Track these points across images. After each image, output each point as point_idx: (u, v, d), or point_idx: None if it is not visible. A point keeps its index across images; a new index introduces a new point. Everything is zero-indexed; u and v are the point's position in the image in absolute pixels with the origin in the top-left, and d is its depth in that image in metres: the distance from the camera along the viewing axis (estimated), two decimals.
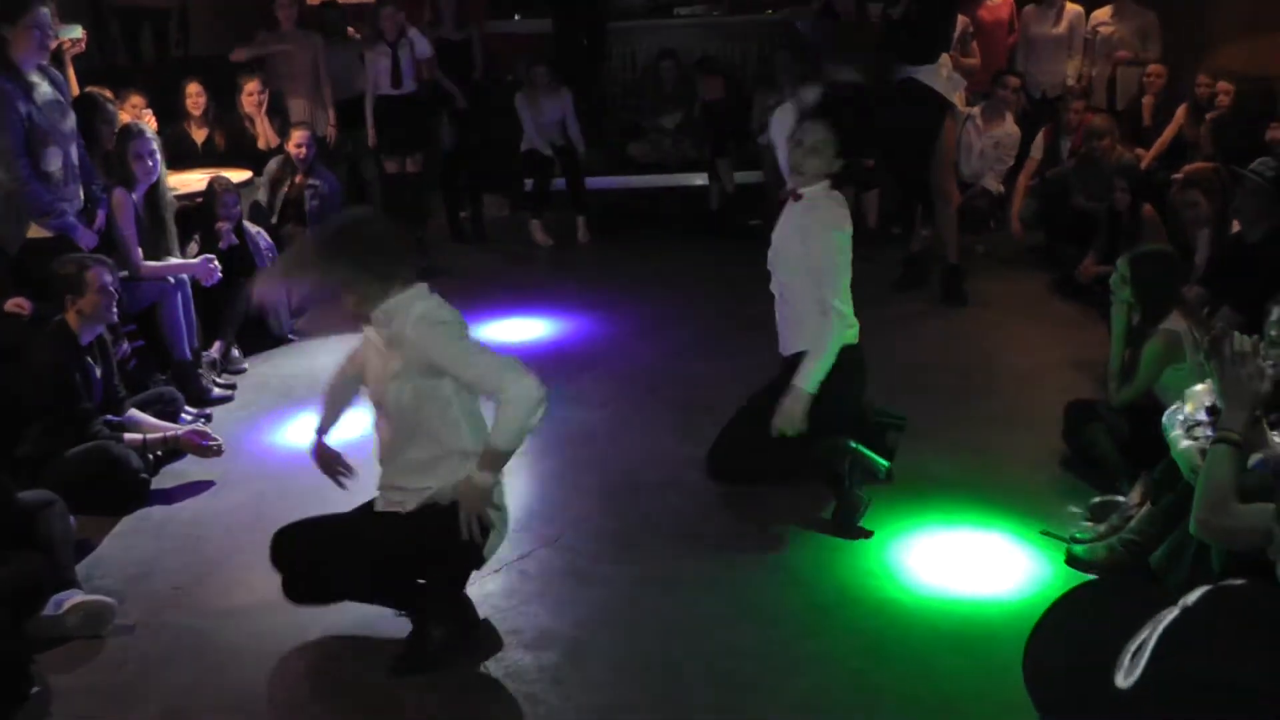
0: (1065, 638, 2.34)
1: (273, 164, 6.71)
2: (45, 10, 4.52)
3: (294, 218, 6.61)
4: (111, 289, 4.31)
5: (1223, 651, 1.91)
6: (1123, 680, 1.99)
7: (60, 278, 4.26)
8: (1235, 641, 1.93)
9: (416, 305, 3.07)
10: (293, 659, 3.23)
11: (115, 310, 4.41)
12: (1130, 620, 2.06)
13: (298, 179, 6.67)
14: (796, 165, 4.04)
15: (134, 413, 4.43)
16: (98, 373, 4.34)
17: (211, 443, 4.37)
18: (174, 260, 5.34)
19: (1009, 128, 7.42)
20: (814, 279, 3.98)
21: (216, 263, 5.37)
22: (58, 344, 4.22)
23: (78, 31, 5.92)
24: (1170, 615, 2.02)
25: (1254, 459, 2.74)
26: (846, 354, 3.97)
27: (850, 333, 4.06)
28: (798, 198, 4.08)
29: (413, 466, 3.16)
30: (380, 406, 3.20)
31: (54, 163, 4.62)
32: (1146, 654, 1.98)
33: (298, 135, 6.68)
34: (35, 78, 4.57)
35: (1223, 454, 2.58)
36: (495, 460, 3.05)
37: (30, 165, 4.51)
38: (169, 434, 4.35)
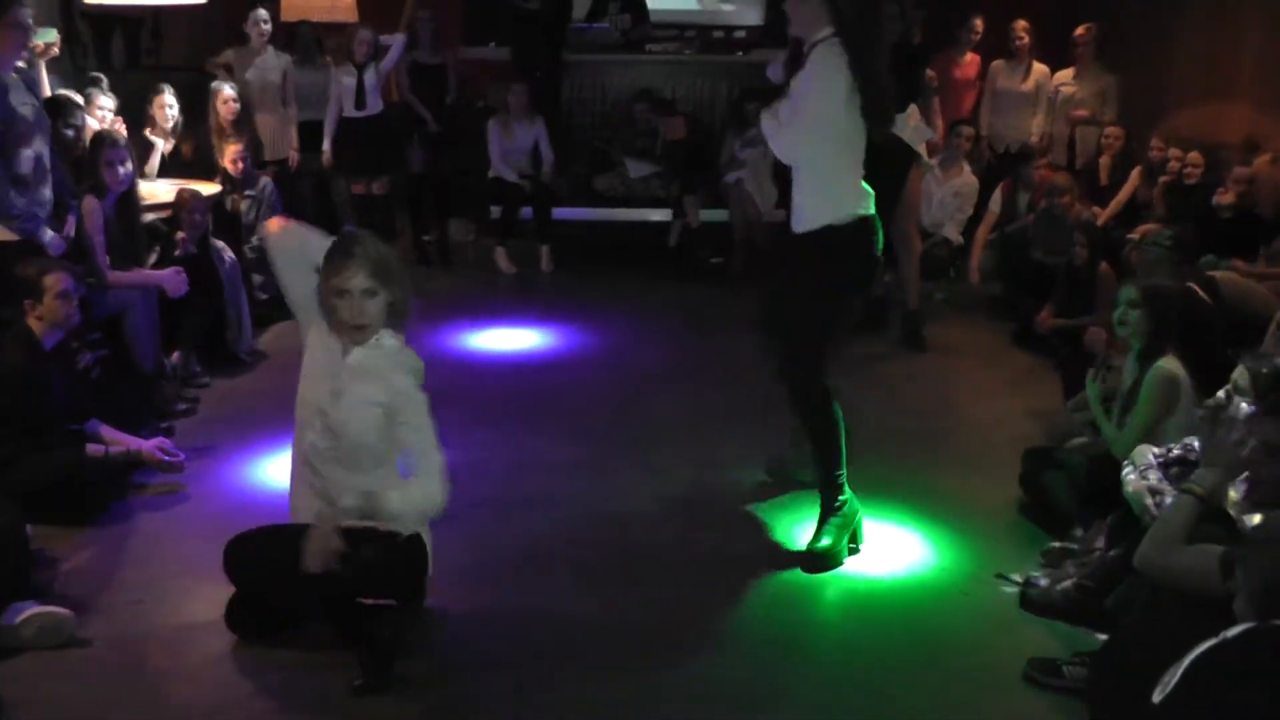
0: (1127, 665, 2.45)
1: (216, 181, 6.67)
2: (27, 10, 4.50)
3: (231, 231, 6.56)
4: (72, 294, 4.27)
5: (1255, 686, 2.00)
6: (1156, 696, 2.09)
7: (19, 282, 4.21)
8: (1267, 679, 2.02)
9: (411, 358, 3.24)
10: (257, 674, 3.21)
11: (78, 315, 4.36)
12: (1180, 648, 2.16)
13: (235, 197, 6.61)
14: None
15: (96, 423, 4.38)
16: (59, 380, 4.29)
17: (174, 458, 4.34)
18: (143, 270, 5.30)
19: (967, 178, 7.56)
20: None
21: (185, 274, 5.33)
22: (20, 348, 4.17)
23: (53, 35, 5.90)
24: (1208, 644, 2.12)
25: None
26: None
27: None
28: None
29: (356, 487, 3.18)
30: (327, 424, 3.19)
31: (26, 165, 4.58)
32: (1178, 675, 2.08)
33: (231, 150, 6.59)
34: (12, 79, 4.54)
35: (1185, 503, 2.72)
36: (372, 508, 3.13)
37: (3, 167, 4.47)
38: (132, 446, 4.31)
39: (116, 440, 4.33)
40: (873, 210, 3.92)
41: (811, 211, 3.88)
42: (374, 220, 7.55)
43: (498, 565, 3.86)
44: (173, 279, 5.29)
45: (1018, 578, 3.74)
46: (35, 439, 4.10)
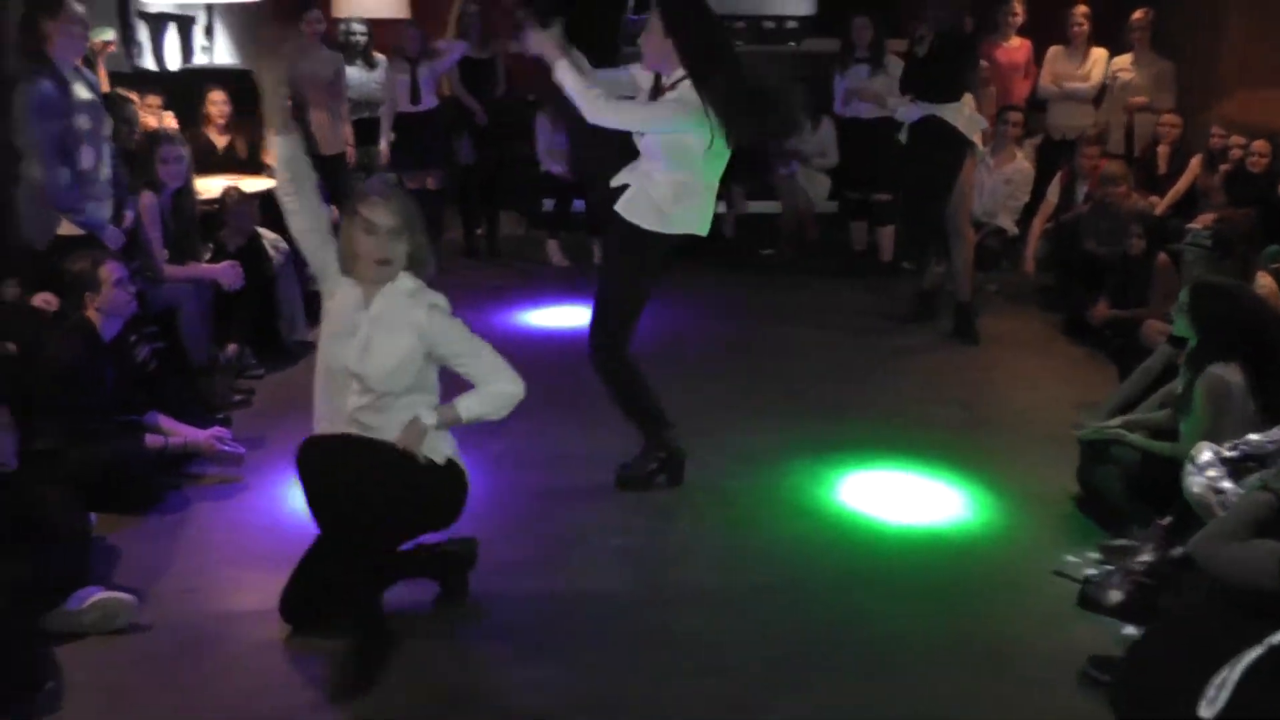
0: (1156, 668, 2.39)
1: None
2: (83, 9, 4.57)
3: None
4: (127, 282, 4.35)
5: None
6: (1206, 711, 2.04)
7: (76, 275, 4.28)
8: None
9: (429, 294, 3.29)
10: (303, 664, 3.24)
11: (134, 304, 4.44)
12: (1216, 654, 2.10)
13: None
14: None
15: (155, 415, 4.44)
16: (112, 372, 4.35)
17: (233, 449, 4.40)
18: (198, 264, 5.37)
19: (1019, 164, 7.44)
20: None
21: (240, 268, 5.40)
22: (80, 341, 4.24)
23: (110, 33, 6.00)
24: (1255, 653, 2.06)
25: None
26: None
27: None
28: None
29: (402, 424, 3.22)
30: (363, 382, 3.22)
31: (87, 161, 4.66)
32: (1229, 689, 2.03)
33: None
34: (71, 76, 4.62)
35: (1261, 500, 2.66)
36: (448, 418, 3.23)
37: (65, 163, 4.55)
38: (189, 438, 4.38)
39: (175, 431, 4.40)
40: (683, 232, 4.11)
41: (634, 200, 4.07)
42: (425, 215, 7.57)
43: (541, 553, 3.88)
44: (229, 272, 5.35)
45: (1075, 574, 3.68)
46: (85, 430, 4.16)
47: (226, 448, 4.40)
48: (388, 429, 3.21)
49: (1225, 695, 2.04)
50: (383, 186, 3.26)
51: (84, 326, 4.27)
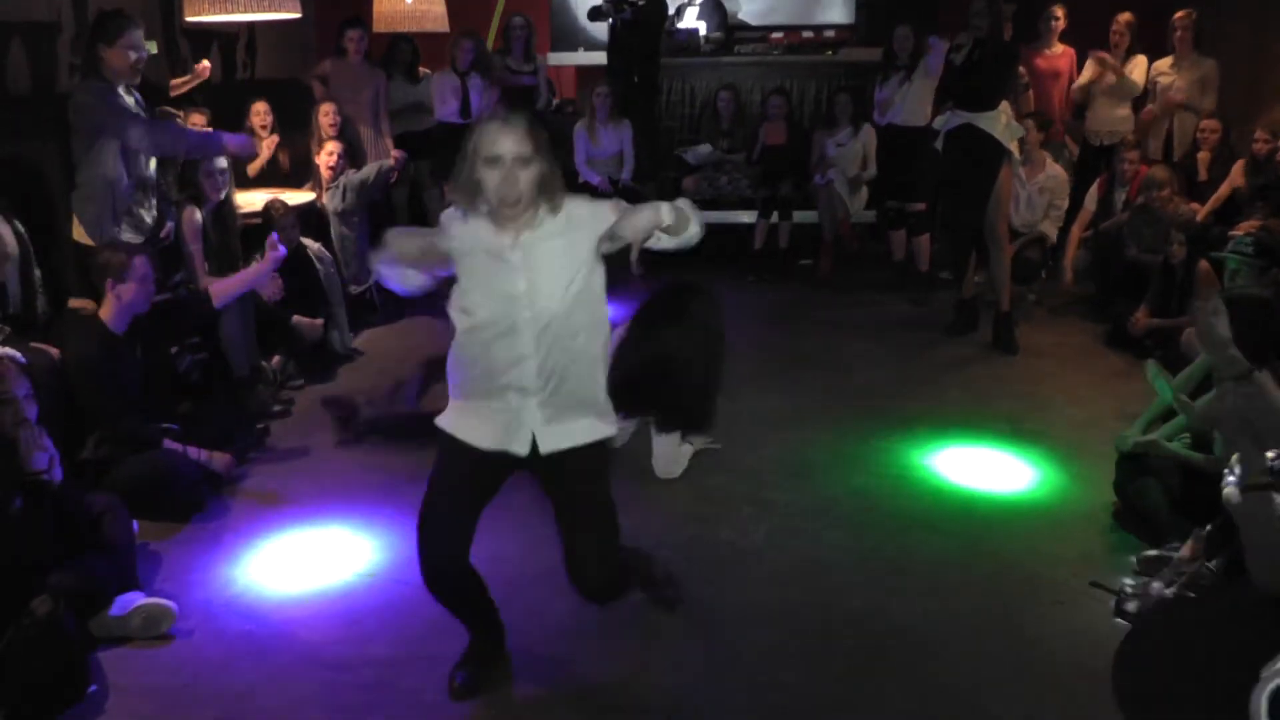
0: (1171, 660, 2.37)
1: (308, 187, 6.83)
2: (140, 33, 4.68)
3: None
4: (151, 280, 4.42)
5: None
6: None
7: (105, 263, 4.33)
8: None
9: (571, 203, 2.90)
10: (351, 670, 3.28)
11: (148, 306, 4.47)
12: (1257, 642, 2.08)
13: (323, 196, 6.74)
14: None
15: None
16: (132, 365, 4.40)
17: (232, 479, 4.51)
18: (238, 274, 5.45)
19: (1051, 170, 7.32)
20: None
21: (280, 279, 5.46)
22: (91, 336, 4.29)
23: (153, 48, 6.10)
24: None
25: None
26: None
27: None
28: None
29: (573, 402, 2.91)
30: (538, 328, 2.83)
31: (143, 171, 4.81)
32: (1262, 710, 2.01)
33: (331, 146, 6.74)
34: (124, 93, 4.74)
35: None
36: (681, 216, 2.82)
37: (126, 170, 4.71)
38: (203, 456, 4.40)
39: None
40: None
41: None
42: None
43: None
44: (269, 283, 5.41)
45: (1114, 586, 3.65)
46: (121, 432, 4.24)
47: (231, 473, 4.50)
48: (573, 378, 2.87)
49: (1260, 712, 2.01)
50: (497, 115, 2.91)
51: (92, 323, 4.35)
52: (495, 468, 2.97)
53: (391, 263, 2.92)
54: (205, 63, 5.99)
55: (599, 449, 2.97)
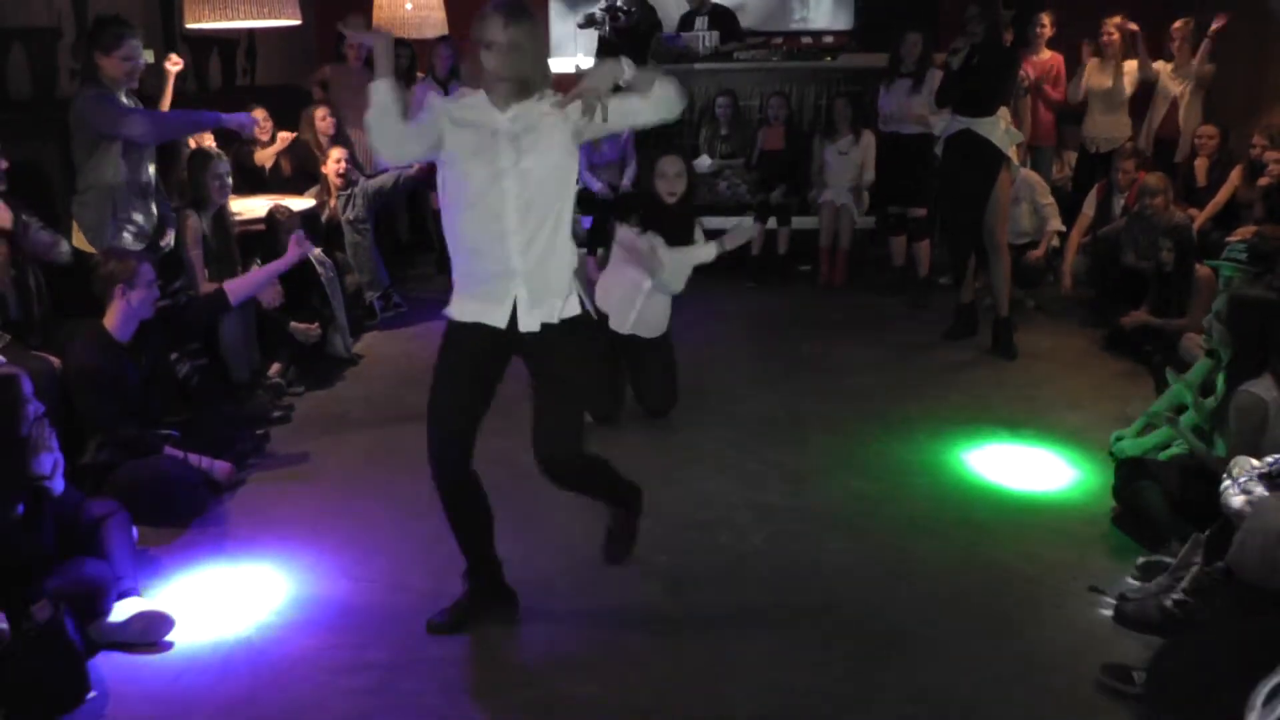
0: (1195, 668, 2.38)
1: (311, 194, 6.84)
2: (138, 41, 4.70)
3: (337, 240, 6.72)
4: (155, 284, 4.45)
5: None
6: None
7: (113, 270, 4.34)
8: None
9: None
10: (351, 675, 3.27)
11: (153, 311, 4.49)
12: (1258, 659, 2.08)
13: (332, 203, 6.76)
14: None
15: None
16: (136, 372, 4.41)
17: (232, 486, 4.50)
18: (260, 270, 5.44)
19: (1024, 175, 7.31)
20: None
21: (279, 285, 5.47)
22: (94, 344, 4.30)
23: (150, 56, 6.11)
24: None
25: None
26: None
27: None
28: None
29: (553, 271, 3.19)
30: (523, 195, 3.08)
31: (143, 178, 4.83)
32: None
33: (336, 152, 6.79)
34: (124, 97, 4.75)
35: None
36: (643, 75, 3.12)
37: (126, 176, 4.73)
38: (203, 463, 4.41)
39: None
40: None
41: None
42: None
43: (582, 570, 3.87)
44: (269, 289, 5.41)
45: (1112, 591, 3.65)
46: (123, 438, 4.25)
47: (229, 480, 4.49)
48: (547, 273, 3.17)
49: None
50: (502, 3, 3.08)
51: (96, 330, 4.35)
52: (490, 350, 3.24)
53: (384, 111, 3.07)
54: (173, 56, 5.96)
55: (581, 339, 3.30)
